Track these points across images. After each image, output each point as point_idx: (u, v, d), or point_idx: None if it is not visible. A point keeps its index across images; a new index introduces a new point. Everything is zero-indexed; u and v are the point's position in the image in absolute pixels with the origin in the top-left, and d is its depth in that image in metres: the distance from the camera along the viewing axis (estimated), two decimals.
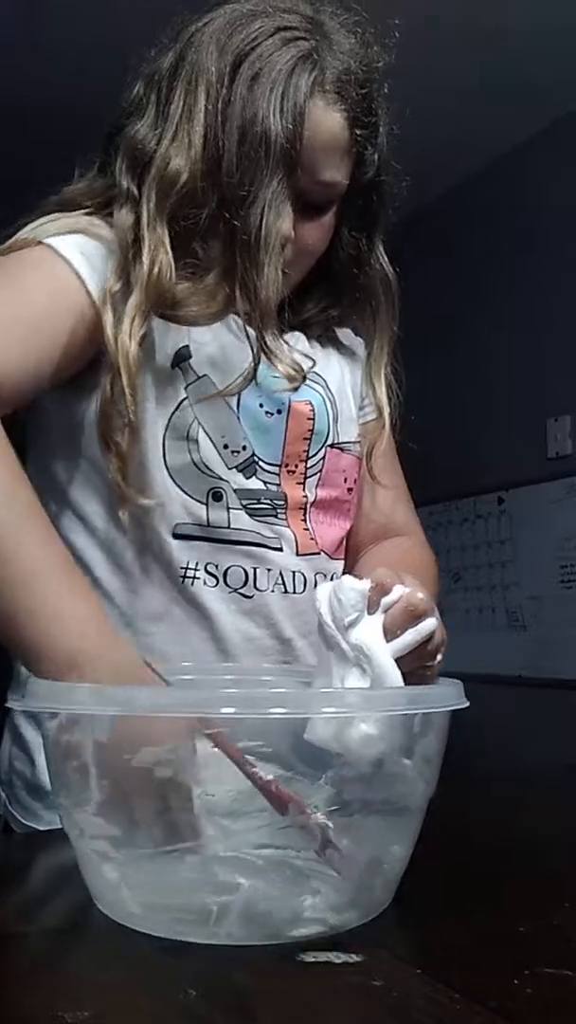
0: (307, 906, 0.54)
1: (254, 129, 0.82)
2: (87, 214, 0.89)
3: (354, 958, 0.53)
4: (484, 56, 2.57)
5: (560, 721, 2.71)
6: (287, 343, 0.91)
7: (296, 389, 0.89)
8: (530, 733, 2.75)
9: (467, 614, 3.22)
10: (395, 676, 0.63)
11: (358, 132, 0.89)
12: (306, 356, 0.93)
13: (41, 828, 0.88)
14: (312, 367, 0.93)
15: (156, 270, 0.82)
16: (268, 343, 0.84)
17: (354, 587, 0.65)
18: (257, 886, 0.54)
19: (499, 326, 3.09)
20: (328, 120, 0.86)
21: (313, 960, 0.52)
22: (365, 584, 0.66)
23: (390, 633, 0.65)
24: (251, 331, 0.86)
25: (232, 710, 0.52)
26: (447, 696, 0.59)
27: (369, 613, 0.65)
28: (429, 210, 3.28)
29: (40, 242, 0.85)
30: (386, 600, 0.66)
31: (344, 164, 0.90)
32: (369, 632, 0.65)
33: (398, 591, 0.67)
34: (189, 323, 0.86)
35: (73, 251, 0.85)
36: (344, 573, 0.97)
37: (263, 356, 0.84)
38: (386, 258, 0.99)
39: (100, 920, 0.59)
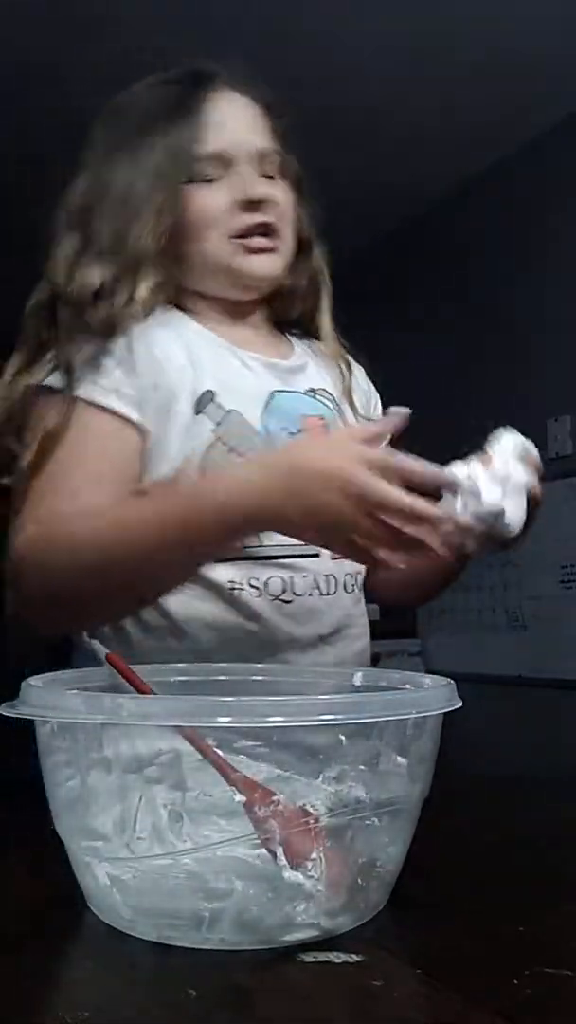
0: (299, 911, 0.54)
1: None
2: None
3: (354, 958, 0.53)
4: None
5: (560, 721, 2.71)
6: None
7: None
8: (530, 733, 2.74)
9: (467, 614, 3.22)
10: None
11: None
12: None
13: None
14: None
15: None
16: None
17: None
18: (250, 890, 0.54)
19: (499, 326, 3.09)
20: None
21: (313, 960, 0.52)
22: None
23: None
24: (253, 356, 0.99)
25: (228, 719, 0.52)
26: (440, 698, 0.60)
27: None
28: (430, 211, 3.29)
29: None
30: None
31: None
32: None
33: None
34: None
35: None
36: None
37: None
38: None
39: (99, 921, 0.59)
